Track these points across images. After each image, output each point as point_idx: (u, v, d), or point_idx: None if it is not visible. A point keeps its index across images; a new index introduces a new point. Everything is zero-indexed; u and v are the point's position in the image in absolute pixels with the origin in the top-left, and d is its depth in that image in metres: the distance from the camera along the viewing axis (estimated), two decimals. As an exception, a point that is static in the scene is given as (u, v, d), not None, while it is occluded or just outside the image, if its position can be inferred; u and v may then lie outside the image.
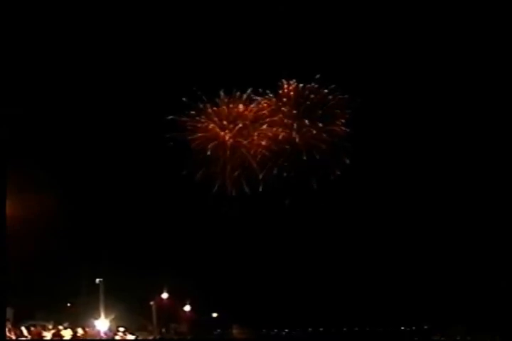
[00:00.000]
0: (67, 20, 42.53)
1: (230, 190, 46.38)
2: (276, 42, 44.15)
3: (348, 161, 46.25)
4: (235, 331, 50.80)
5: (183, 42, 43.92)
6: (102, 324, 47.85)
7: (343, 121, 47.05)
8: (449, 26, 44.44)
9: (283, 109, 47.16)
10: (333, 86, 46.48)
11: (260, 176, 46.40)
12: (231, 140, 47.12)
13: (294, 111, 47.27)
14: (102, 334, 47.37)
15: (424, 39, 45.22)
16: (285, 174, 46.26)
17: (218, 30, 43.62)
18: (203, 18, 43.86)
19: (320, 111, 47.20)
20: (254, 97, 46.91)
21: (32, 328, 45.67)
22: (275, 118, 47.24)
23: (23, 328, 44.95)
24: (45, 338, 45.48)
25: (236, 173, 46.80)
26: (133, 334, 49.60)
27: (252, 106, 46.97)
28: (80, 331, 46.76)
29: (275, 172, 46.37)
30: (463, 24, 43.94)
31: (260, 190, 46.26)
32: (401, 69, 45.25)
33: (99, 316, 47.64)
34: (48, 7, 40.83)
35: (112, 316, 47.97)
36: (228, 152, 47.02)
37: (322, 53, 44.55)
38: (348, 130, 46.88)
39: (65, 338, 46.00)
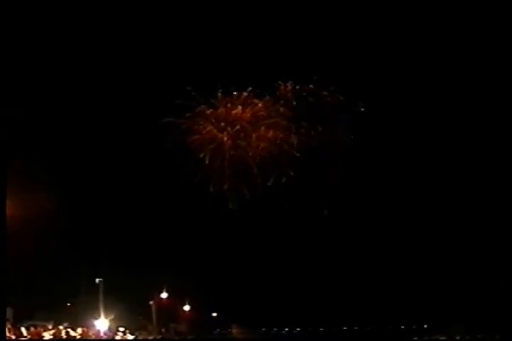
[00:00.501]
0: (67, 21, 42.50)
1: (229, 194, 46.26)
2: (273, 42, 44.06)
3: (348, 165, 46.16)
4: (234, 330, 50.85)
5: (177, 44, 43.82)
6: (101, 324, 47.98)
7: (343, 123, 46.85)
8: (454, 27, 44.38)
9: (281, 110, 47.01)
10: (332, 88, 46.29)
11: (259, 179, 46.37)
12: (229, 142, 47.03)
13: (292, 113, 47.12)
14: (102, 334, 47.50)
15: (427, 40, 45.12)
16: (284, 179, 46.18)
17: (215, 30, 43.53)
18: (199, 19, 43.76)
19: (319, 114, 47.07)
20: (252, 99, 46.73)
21: (32, 328, 45.83)
22: (273, 120, 47.12)
23: (22, 328, 45.06)
24: (45, 338, 45.67)
25: (235, 177, 46.75)
26: (133, 334, 49.72)
27: (249, 107, 46.84)
28: (79, 331, 46.96)
29: (275, 175, 46.34)
30: (467, 25, 43.90)
31: (260, 193, 46.25)
32: (403, 71, 45.16)
33: (99, 316, 47.77)
34: (47, 8, 40.83)
35: (112, 316, 48.08)
36: (227, 154, 46.92)
37: (321, 54, 44.45)
38: (348, 133, 46.71)
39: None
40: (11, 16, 37.83)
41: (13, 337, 43.47)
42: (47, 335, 46.08)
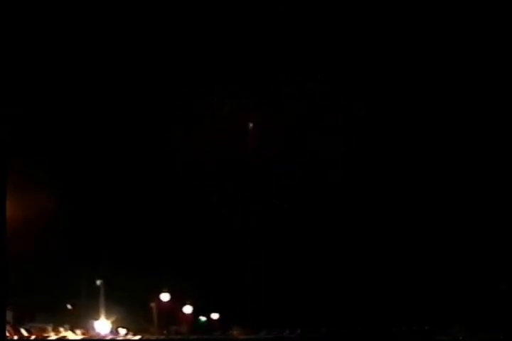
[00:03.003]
0: (67, 21, 42.76)
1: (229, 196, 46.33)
2: (272, 45, 44.17)
3: (348, 165, 46.20)
4: (235, 332, 50.77)
5: (173, 46, 44.03)
6: (103, 325, 48.06)
7: (342, 127, 46.85)
8: (456, 29, 44.41)
9: (279, 115, 47.05)
10: (332, 90, 46.26)
11: (259, 181, 46.47)
12: (227, 146, 47.11)
13: (291, 116, 47.18)
14: (103, 335, 47.64)
15: (432, 42, 45.17)
16: (284, 181, 46.26)
17: (211, 33, 43.70)
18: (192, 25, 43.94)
19: (319, 115, 47.14)
20: (250, 105, 46.79)
21: (32, 330, 46.02)
22: (272, 125, 47.19)
23: (22, 330, 45.25)
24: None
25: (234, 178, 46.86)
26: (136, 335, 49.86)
27: (247, 114, 46.89)
28: (78, 332, 47.17)
29: (275, 177, 46.42)
30: (469, 29, 43.97)
31: (260, 194, 46.36)
32: (404, 72, 45.21)
33: (100, 318, 47.83)
34: (48, 8, 41.09)
35: (114, 318, 48.12)
36: (226, 157, 47.00)
37: (321, 57, 44.54)
38: (347, 136, 46.71)
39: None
40: (10, 16, 38.04)
41: (15, 337, 43.77)
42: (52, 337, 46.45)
